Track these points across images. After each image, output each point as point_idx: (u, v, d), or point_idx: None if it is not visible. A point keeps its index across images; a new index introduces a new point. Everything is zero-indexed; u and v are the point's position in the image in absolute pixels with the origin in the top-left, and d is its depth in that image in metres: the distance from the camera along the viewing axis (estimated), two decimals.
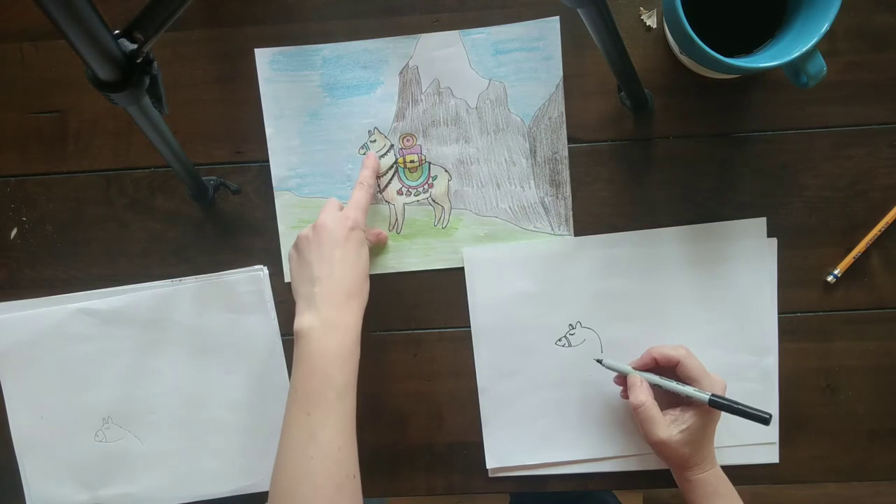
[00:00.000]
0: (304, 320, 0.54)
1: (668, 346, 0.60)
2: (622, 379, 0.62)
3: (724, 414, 0.58)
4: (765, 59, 0.52)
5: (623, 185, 0.64)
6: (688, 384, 0.58)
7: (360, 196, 0.60)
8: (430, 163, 0.65)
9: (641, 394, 0.58)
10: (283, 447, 0.52)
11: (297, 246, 0.58)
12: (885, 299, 0.64)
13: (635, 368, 0.60)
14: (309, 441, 0.51)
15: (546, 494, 0.72)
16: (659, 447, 0.58)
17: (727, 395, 0.57)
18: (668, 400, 0.60)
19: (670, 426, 0.57)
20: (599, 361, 0.62)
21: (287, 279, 0.66)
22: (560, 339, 0.65)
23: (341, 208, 0.60)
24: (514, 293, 0.65)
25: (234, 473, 0.67)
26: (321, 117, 0.65)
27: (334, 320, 0.54)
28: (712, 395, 0.56)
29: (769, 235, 0.63)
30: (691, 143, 0.63)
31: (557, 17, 0.62)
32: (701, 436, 0.57)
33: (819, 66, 0.51)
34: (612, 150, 0.64)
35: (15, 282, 0.67)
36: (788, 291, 0.63)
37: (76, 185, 0.66)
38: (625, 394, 0.61)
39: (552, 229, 0.64)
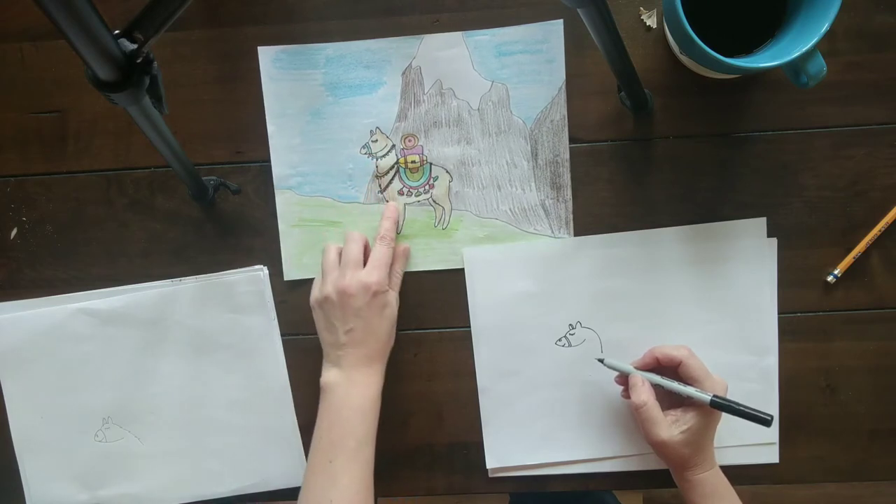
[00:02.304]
0: (329, 376, 0.59)
1: (670, 346, 0.60)
2: (623, 379, 0.62)
3: (724, 414, 0.58)
4: (765, 59, 0.52)
5: (623, 185, 0.64)
6: (689, 385, 0.58)
7: (382, 253, 0.61)
8: (431, 163, 0.65)
9: (643, 394, 0.58)
10: (305, 491, 0.57)
11: (322, 306, 0.60)
12: (885, 299, 0.64)
13: (637, 368, 0.60)
14: (330, 486, 0.55)
15: (546, 494, 0.72)
16: (660, 447, 0.58)
17: (728, 396, 0.57)
18: (669, 400, 0.60)
19: (671, 427, 0.57)
20: (601, 361, 0.62)
21: (287, 278, 0.66)
22: (560, 339, 0.65)
23: (364, 242, 0.62)
24: (514, 293, 0.65)
25: (234, 473, 0.67)
26: (323, 116, 0.65)
27: (358, 378, 0.59)
28: (714, 396, 0.56)
29: (769, 235, 0.63)
30: (691, 143, 0.63)
31: (561, 21, 0.62)
32: (701, 436, 0.57)
33: (819, 66, 0.51)
34: (612, 150, 0.64)
35: (15, 282, 0.67)
36: (788, 291, 0.64)
37: (76, 185, 0.66)
38: (626, 394, 0.61)
39: (552, 232, 0.64)
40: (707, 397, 0.56)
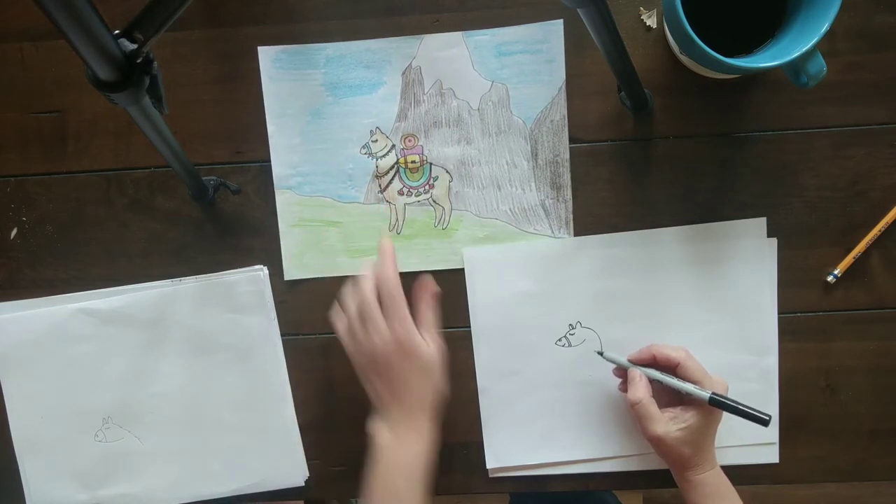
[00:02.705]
0: (377, 429, 0.58)
1: (669, 347, 0.59)
2: (622, 371, 0.62)
3: (724, 414, 0.58)
4: (765, 59, 0.52)
5: (623, 185, 0.64)
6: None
7: (393, 300, 0.56)
8: (431, 163, 0.65)
9: (639, 390, 0.58)
10: None
11: (356, 362, 0.58)
12: (885, 299, 0.64)
13: (633, 362, 0.60)
14: None
15: (546, 494, 0.72)
16: (656, 443, 0.58)
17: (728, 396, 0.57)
18: (668, 398, 0.60)
19: (668, 423, 0.57)
20: (600, 354, 0.62)
21: (287, 278, 0.66)
22: (560, 339, 0.65)
23: (376, 283, 0.58)
24: (514, 293, 0.65)
25: (234, 473, 0.67)
26: (323, 116, 0.65)
27: (403, 434, 0.57)
28: (713, 393, 0.56)
29: (769, 235, 0.63)
30: (691, 143, 0.63)
31: (561, 21, 0.62)
32: (701, 436, 0.57)
33: (819, 66, 0.51)
34: (612, 150, 0.64)
35: (15, 282, 0.67)
36: (788, 291, 0.64)
37: (76, 185, 0.66)
38: (623, 386, 0.61)
39: (552, 232, 0.64)
40: (706, 395, 0.56)
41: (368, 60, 0.64)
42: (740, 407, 0.56)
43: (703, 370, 0.58)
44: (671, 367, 0.59)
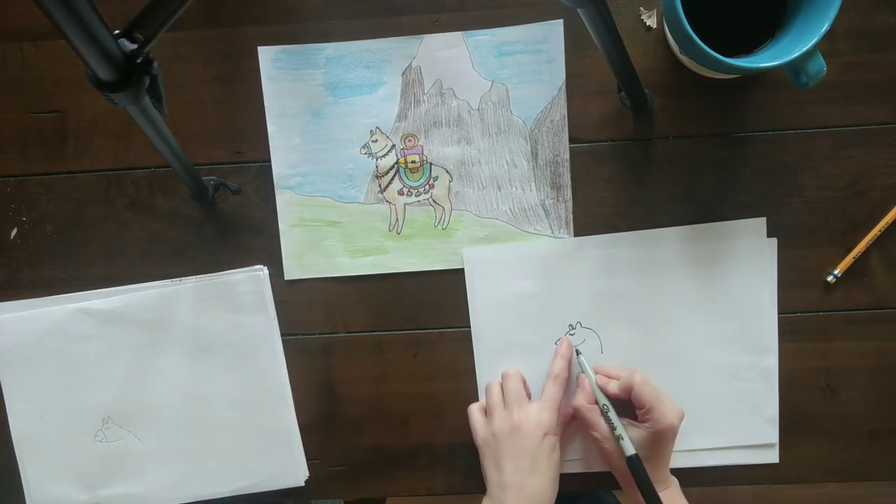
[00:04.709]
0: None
1: (626, 372, 0.59)
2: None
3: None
4: (765, 59, 0.52)
5: (623, 185, 0.64)
6: (640, 409, 0.57)
7: (555, 393, 0.60)
8: (431, 163, 0.65)
9: (580, 398, 0.60)
10: None
11: (489, 445, 0.60)
12: (885, 299, 0.64)
13: (599, 385, 0.60)
14: None
15: None
16: (598, 444, 0.59)
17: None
18: (628, 409, 0.59)
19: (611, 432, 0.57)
20: (578, 352, 0.63)
21: (287, 278, 0.66)
22: (560, 339, 0.65)
23: (522, 378, 0.62)
24: (514, 293, 0.65)
25: (234, 473, 0.67)
26: (323, 116, 0.65)
27: None
28: (634, 455, 0.56)
29: (769, 235, 0.63)
30: (691, 143, 0.63)
31: (561, 21, 0.62)
32: (647, 451, 0.57)
33: (819, 66, 0.51)
34: (612, 150, 0.64)
35: (15, 282, 0.67)
36: (788, 291, 0.64)
37: (76, 185, 0.66)
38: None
39: (552, 232, 0.64)
40: (630, 451, 0.56)
41: (368, 60, 0.64)
42: (647, 488, 0.55)
43: (656, 395, 0.57)
44: (628, 390, 0.58)
